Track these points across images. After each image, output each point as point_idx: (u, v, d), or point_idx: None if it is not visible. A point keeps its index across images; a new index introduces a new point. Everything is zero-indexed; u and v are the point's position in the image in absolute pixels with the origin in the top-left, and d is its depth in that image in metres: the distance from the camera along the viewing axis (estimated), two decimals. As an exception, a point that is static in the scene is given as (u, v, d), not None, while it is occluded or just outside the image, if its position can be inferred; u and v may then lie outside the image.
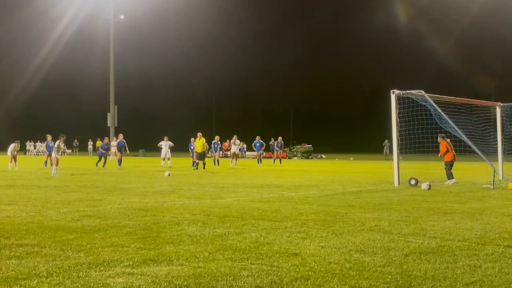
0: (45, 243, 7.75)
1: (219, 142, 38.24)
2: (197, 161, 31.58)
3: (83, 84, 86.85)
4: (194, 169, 30.42)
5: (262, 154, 44.28)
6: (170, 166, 32.77)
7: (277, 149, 43.84)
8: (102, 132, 70.95)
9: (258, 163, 40.67)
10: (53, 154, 25.60)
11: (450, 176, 20.16)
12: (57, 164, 24.97)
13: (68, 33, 70.99)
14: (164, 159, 34.55)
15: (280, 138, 44.75)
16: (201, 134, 31.88)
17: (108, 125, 64.97)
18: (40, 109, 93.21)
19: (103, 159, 33.18)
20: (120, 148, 34.36)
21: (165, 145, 34.87)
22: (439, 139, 20.61)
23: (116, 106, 65.04)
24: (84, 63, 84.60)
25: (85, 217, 10.40)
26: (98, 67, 74.80)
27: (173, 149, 36.06)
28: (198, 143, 31.56)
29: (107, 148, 34.65)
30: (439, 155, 20.73)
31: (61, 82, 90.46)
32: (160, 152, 35.28)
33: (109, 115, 65.16)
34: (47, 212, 11.17)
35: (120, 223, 9.57)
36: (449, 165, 20.41)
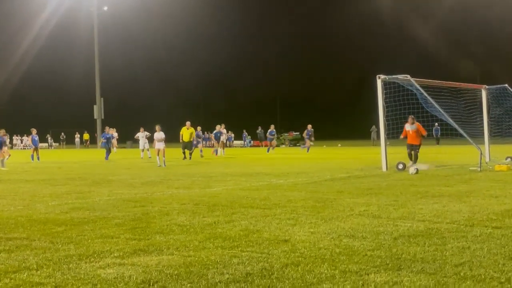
0: (35, 236, 7.72)
1: (200, 133, 38.04)
2: (191, 151, 31.24)
3: (67, 77, 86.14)
4: (189, 160, 30.12)
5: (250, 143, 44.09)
6: (150, 157, 32.67)
7: (271, 137, 43.31)
8: (89, 125, 70.67)
9: (268, 151, 40.54)
10: (160, 145, 24.75)
11: (416, 160, 20.13)
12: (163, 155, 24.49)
13: (51, 24, 70.33)
14: (143, 150, 34.43)
15: (272, 126, 44.08)
16: (189, 123, 31.53)
17: (95, 117, 64.70)
18: (25, 103, 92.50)
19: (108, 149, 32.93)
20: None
21: (142, 136, 34.73)
22: (412, 121, 20.39)
23: (102, 98, 64.74)
24: (68, 55, 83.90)
25: (74, 209, 10.37)
26: (82, 59, 74.19)
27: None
28: (186, 132, 31.23)
29: (109, 138, 33.94)
30: (423, 134, 20.66)
31: (45, 75, 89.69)
32: (138, 144, 35.26)
33: (95, 107, 64.89)
34: (35, 205, 11.12)
35: (109, 215, 9.56)
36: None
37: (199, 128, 36.94)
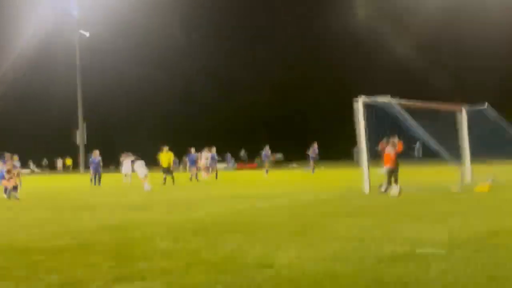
0: (15, 265, 7.62)
1: (194, 156, 37.19)
2: (172, 176, 30.28)
3: (46, 102, 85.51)
4: (172, 185, 29.21)
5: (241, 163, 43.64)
6: (130, 182, 32.44)
7: (266, 158, 42.84)
8: (70, 150, 70.14)
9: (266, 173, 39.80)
10: (143, 173, 25.97)
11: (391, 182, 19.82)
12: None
13: (30, 49, 69.95)
14: (126, 175, 34.02)
15: (267, 147, 43.29)
16: (167, 148, 30.89)
17: (77, 143, 64.20)
18: (4, 128, 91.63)
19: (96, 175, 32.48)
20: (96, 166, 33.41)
21: (126, 161, 34.42)
22: (394, 143, 19.99)
23: (85, 123, 64.39)
24: (47, 79, 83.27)
25: (56, 236, 10.24)
26: (62, 83, 73.80)
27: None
28: (164, 157, 30.51)
29: (98, 163, 33.33)
30: (400, 151, 20.20)
31: (25, 99, 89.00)
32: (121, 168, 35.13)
33: (78, 132, 64.48)
34: (16, 233, 10.98)
35: (91, 241, 9.47)
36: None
37: (193, 150, 36.29)
